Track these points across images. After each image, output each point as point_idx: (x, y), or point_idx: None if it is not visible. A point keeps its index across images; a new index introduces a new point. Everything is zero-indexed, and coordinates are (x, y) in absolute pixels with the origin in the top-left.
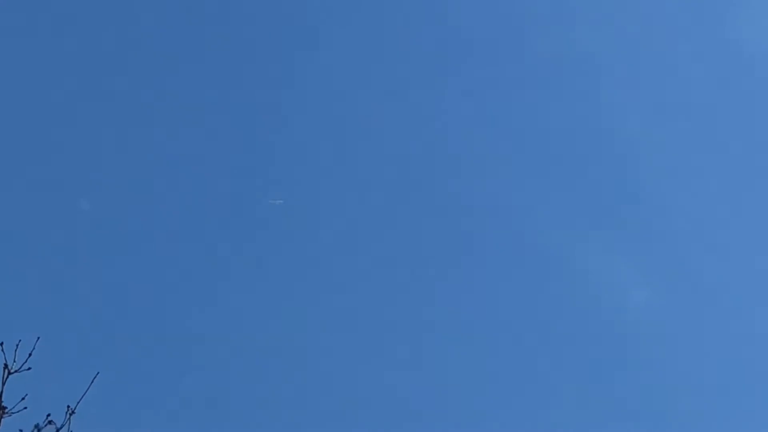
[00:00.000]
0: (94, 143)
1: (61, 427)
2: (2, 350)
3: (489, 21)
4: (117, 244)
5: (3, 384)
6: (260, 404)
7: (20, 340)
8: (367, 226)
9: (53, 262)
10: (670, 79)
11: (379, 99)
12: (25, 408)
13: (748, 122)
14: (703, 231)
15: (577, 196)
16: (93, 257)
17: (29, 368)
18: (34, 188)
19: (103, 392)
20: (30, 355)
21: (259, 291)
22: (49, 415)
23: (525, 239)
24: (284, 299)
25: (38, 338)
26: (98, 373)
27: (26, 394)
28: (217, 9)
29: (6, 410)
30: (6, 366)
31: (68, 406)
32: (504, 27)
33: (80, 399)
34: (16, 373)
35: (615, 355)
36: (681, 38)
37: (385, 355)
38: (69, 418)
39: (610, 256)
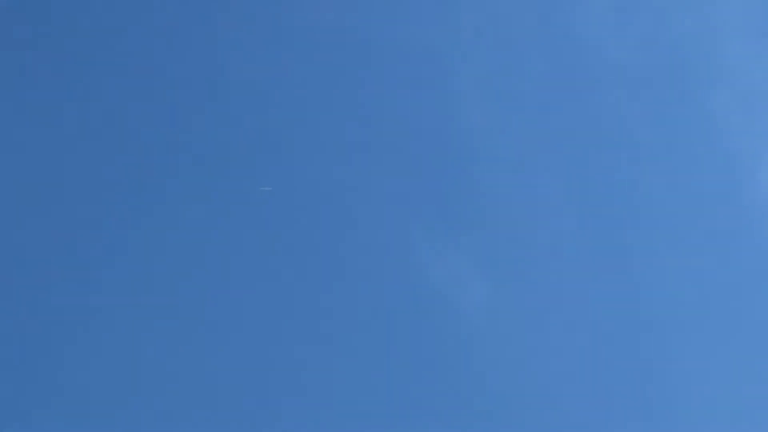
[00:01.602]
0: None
1: None
2: None
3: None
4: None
5: None
6: None
7: None
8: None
9: None
10: (511, 70)
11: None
12: None
13: (587, 116)
14: (543, 224)
15: (415, 188)
16: None
17: None
18: None
19: None
20: None
21: None
22: None
23: (359, 232)
24: None
25: None
26: None
27: None
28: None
29: None
30: None
31: None
32: (350, 18)
33: None
34: None
35: (450, 352)
36: (522, 29)
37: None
38: None
39: (447, 250)
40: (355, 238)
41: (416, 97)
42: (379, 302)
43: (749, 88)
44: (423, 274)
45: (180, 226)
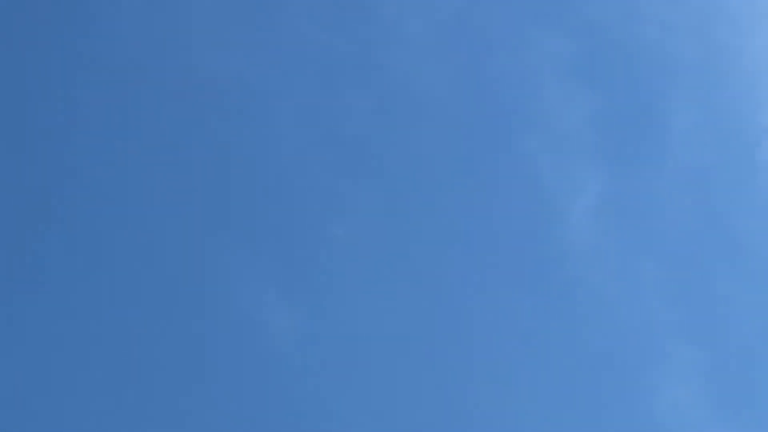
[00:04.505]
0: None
1: None
2: None
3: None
4: None
5: None
6: None
7: None
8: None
9: None
10: (332, 108)
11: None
12: None
13: (400, 155)
14: (352, 254)
15: (229, 219)
16: None
17: None
18: None
19: None
20: None
21: None
22: None
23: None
24: None
25: None
26: None
27: None
28: None
29: None
30: None
31: None
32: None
33: None
34: None
35: (259, 381)
36: (340, 66)
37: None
38: None
39: (251, 279)
40: (171, 264)
41: (232, 131)
42: (195, 327)
43: (562, 131)
44: (232, 305)
45: None
